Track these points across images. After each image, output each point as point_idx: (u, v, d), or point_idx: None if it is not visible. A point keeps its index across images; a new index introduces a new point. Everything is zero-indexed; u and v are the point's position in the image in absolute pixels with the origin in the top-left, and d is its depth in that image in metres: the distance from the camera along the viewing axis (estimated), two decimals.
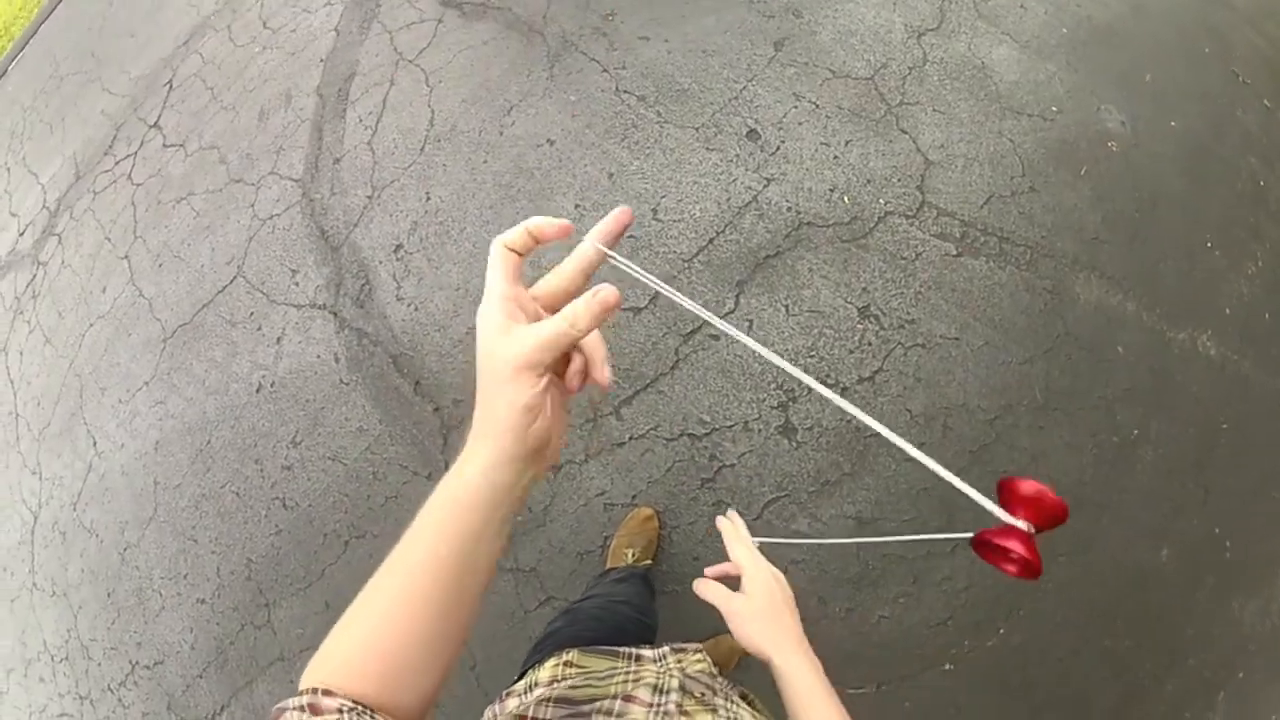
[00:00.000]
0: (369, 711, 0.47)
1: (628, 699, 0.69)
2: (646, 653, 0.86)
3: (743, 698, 0.81)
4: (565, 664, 0.84)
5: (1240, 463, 2.18)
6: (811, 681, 0.76)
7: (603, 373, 0.51)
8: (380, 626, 0.50)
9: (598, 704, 0.69)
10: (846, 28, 2.53)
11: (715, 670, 0.85)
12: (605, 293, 0.48)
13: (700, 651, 0.88)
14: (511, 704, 0.74)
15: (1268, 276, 2.34)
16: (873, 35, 2.51)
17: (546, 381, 0.50)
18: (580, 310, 0.48)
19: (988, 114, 2.38)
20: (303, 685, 0.49)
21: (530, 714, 0.67)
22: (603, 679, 0.77)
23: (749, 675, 2.00)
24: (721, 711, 0.69)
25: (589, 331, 0.49)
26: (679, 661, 0.84)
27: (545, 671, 0.84)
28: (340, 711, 0.45)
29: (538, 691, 0.75)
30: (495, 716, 0.72)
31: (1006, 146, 2.34)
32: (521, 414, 0.48)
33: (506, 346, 0.48)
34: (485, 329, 0.49)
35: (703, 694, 0.72)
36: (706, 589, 0.86)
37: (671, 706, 0.68)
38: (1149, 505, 2.10)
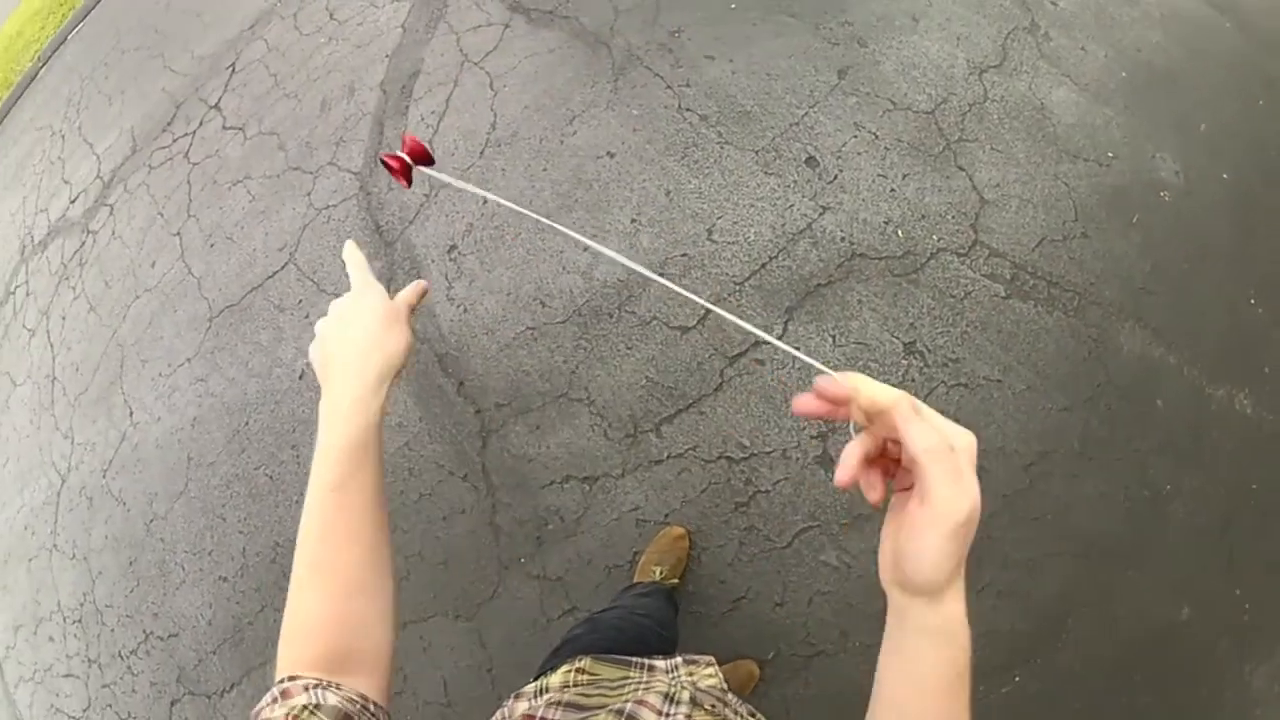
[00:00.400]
0: (333, 684, 0.56)
1: (639, 703, 0.69)
2: (659, 663, 0.87)
3: (751, 716, 0.81)
4: (578, 670, 0.85)
5: (1268, 524, 2.14)
6: (966, 662, 0.50)
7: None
8: (331, 590, 0.62)
9: (608, 706, 0.70)
10: (910, 60, 2.52)
11: (726, 686, 0.85)
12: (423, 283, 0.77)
13: (712, 665, 0.89)
14: (521, 706, 0.75)
15: None
16: (935, 69, 2.50)
17: None
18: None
19: (1044, 156, 2.37)
20: (278, 668, 0.59)
21: (540, 715, 0.68)
22: (614, 688, 0.78)
23: (762, 703, 2.00)
24: None
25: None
26: (690, 674, 0.85)
27: (557, 677, 0.84)
28: (306, 689, 0.55)
29: (548, 696, 0.76)
30: (505, 718, 0.73)
31: (1061, 190, 2.32)
32: (408, 353, 0.70)
33: (394, 305, 0.71)
34: (378, 297, 0.70)
35: (713, 706, 0.73)
36: (910, 424, 0.46)
37: (682, 717, 0.68)
38: (1175, 562, 2.07)
